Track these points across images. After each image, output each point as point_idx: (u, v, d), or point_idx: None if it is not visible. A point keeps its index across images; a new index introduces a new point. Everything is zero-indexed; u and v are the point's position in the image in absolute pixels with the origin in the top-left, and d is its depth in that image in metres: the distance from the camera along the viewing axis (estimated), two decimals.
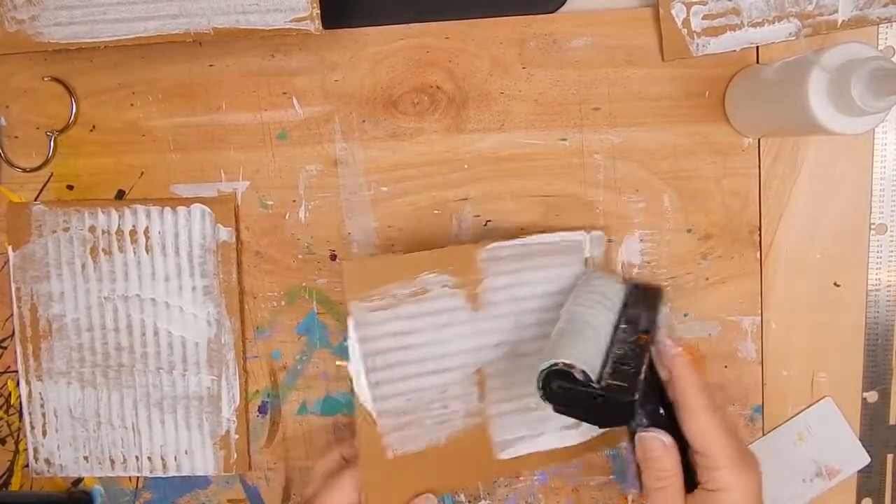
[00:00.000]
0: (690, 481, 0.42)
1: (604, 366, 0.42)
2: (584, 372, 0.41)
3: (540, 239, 0.50)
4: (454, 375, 0.49)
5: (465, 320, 0.49)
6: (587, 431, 0.51)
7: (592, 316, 0.45)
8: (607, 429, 0.48)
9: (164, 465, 0.56)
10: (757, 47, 0.50)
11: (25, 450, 0.57)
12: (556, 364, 0.41)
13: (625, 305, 0.47)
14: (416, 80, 0.53)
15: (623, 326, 0.45)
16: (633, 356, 0.43)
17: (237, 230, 0.55)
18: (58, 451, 0.57)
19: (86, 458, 0.56)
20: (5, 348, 0.57)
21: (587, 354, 0.42)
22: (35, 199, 0.56)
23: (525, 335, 0.50)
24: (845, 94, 0.38)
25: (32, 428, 0.57)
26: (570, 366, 0.41)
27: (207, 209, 0.54)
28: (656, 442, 0.42)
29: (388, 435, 0.48)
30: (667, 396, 0.44)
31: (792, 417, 0.53)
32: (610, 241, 0.53)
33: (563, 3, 0.52)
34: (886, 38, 0.50)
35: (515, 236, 0.50)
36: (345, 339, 0.48)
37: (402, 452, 0.48)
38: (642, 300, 0.47)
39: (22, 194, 0.56)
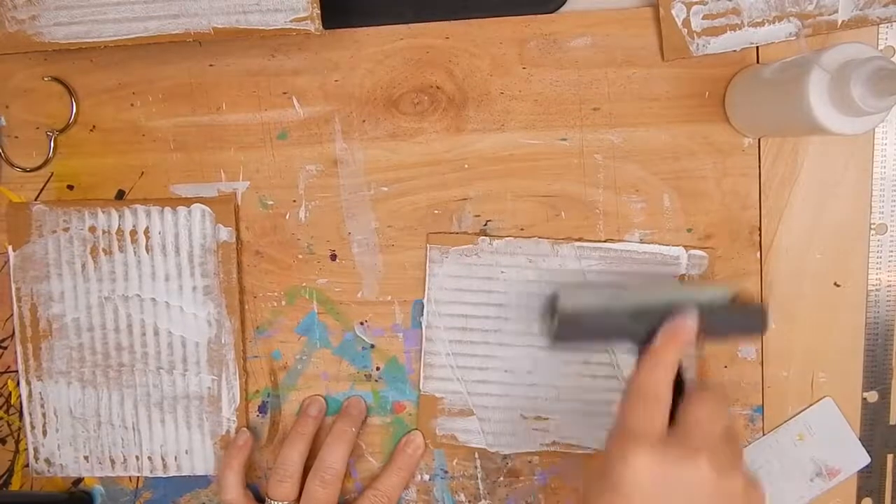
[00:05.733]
0: None
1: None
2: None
3: (633, 248, 0.52)
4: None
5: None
6: None
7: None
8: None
9: (165, 465, 0.56)
10: (757, 47, 0.50)
11: (25, 450, 0.57)
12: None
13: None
14: (416, 80, 0.53)
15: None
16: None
17: (237, 230, 0.55)
18: (58, 450, 0.57)
19: (86, 457, 0.56)
20: (5, 348, 0.57)
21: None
22: (35, 199, 0.56)
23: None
24: (845, 95, 0.38)
25: (33, 428, 0.57)
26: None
27: (207, 209, 0.54)
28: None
29: None
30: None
31: (792, 417, 0.53)
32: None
33: (563, 3, 0.52)
34: (886, 39, 0.50)
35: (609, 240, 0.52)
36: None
37: None
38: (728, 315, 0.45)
39: (22, 194, 0.56)
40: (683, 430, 0.40)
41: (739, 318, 0.44)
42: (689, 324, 0.42)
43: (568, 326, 0.44)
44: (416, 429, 0.55)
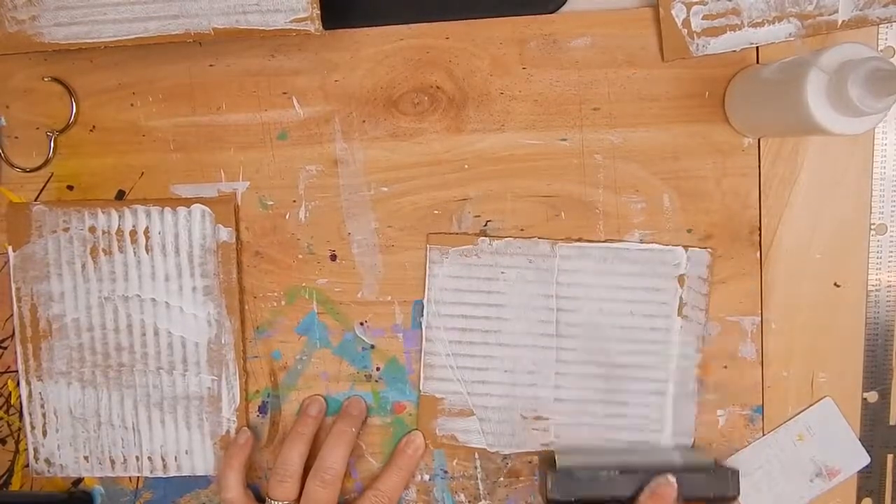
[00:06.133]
0: None
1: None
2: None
3: (633, 247, 0.52)
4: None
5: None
6: None
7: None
8: None
9: (165, 465, 0.56)
10: (757, 47, 0.50)
11: (25, 450, 0.57)
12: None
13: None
14: (416, 80, 0.53)
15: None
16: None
17: (237, 230, 0.55)
18: (58, 451, 0.57)
19: (86, 458, 0.56)
20: (5, 348, 0.57)
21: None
22: (35, 200, 0.56)
23: (602, 341, 0.53)
24: (843, 95, 0.38)
25: (33, 428, 0.57)
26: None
27: (207, 209, 0.54)
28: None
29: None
30: None
31: (792, 418, 0.53)
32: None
33: (563, 3, 0.52)
34: (886, 39, 0.50)
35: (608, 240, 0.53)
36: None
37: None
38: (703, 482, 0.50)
39: (22, 194, 0.56)
40: None
41: (715, 483, 0.49)
42: (669, 484, 0.48)
43: (563, 485, 0.49)
44: (417, 429, 0.55)
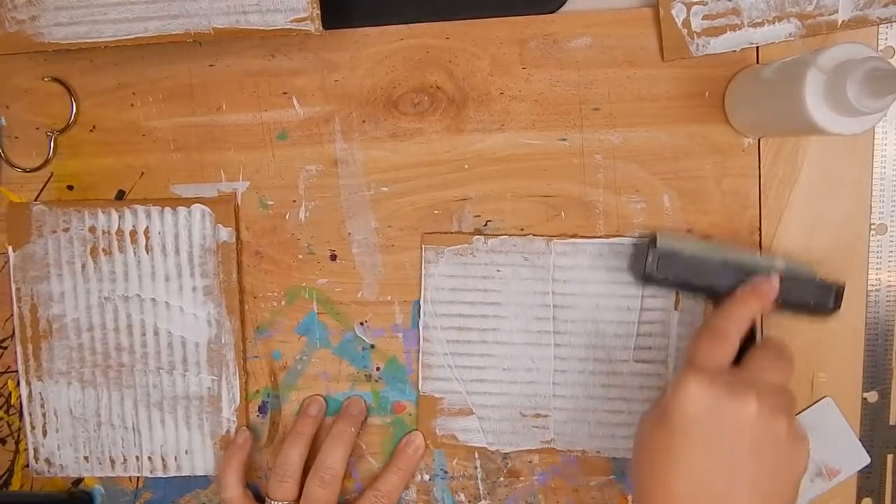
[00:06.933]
0: None
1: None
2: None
3: (628, 241, 0.52)
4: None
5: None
6: None
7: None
8: None
9: (165, 465, 0.56)
10: (757, 47, 0.50)
11: (26, 450, 0.57)
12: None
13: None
14: (416, 80, 0.53)
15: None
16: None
17: (237, 230, 0.55)
18: (58, 451, 0.57)
19: (86, 458, 0.56)
20: (5, 348, 0.57)
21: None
22: (35, 199, 0.56)
23: (600, 336, 0.53)
24: (841, 95, 0.38)
25: (33, 428, 0.57)
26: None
27: (207, 209, 0.54)
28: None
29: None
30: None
31: None
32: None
33: (563, 3, 0.52)
34: (886, 39, 0.50)
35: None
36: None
37: None
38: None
39: (22, 194, 0.56)
40: (743, 371, 0.43)
41: (816, 293, 0.48)
42: (771, 283, 0.46)
43: (663, 262, 0.48)
44: (417, 429, 0.55)
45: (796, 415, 0.52)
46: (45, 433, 0.57)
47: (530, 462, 0.55)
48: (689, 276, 0.48)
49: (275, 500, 0.51)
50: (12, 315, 0.56)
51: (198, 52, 0.54)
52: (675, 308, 0.52)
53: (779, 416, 0.40)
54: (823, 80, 0.39)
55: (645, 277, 0.48)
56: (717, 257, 0.48)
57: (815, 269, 0.49)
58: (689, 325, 0.52)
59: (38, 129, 0.55)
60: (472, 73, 0.52)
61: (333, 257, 0.55)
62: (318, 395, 0.55)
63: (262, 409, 0.56)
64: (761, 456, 0.40)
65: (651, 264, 0.48)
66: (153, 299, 0.55)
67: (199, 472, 0.56)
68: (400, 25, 0.52)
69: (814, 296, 0.48)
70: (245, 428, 0.55)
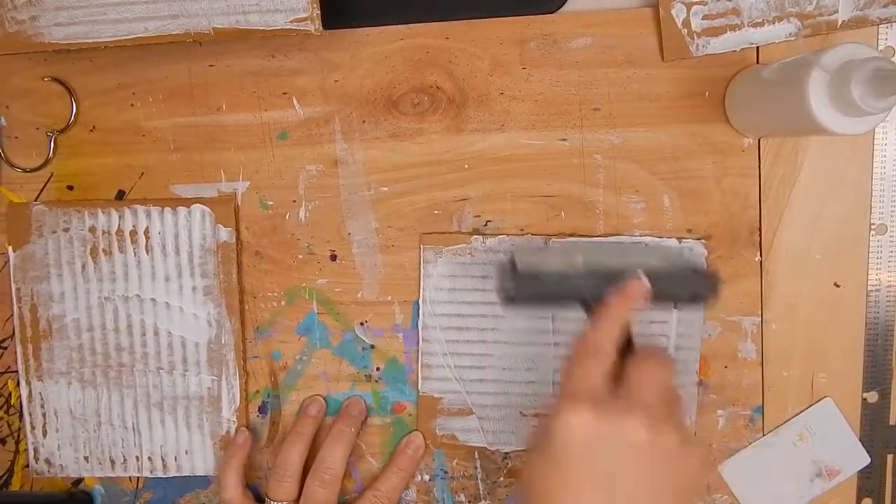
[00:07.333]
0: None
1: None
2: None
3: (626, 240, 0.52)
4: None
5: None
6: None
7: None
8: None
9: (165, 466, 0.56)
10: (757, 47, 0.50)
11: (26, 450, 0.57)
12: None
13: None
14: (416, 80, 0.53)
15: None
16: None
17: (237, 230, 0.55)
18: (58, 451, 0.57)
19: (86, 458, 0.56)
20: (5, 348, 0.57)
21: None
22: (35, 200, 0.56)
23: None
24: (845, 95, 0.38)
25: (33, 428, 0.57)
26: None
27: (207, 209, 0.54)
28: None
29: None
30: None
31: (792, 418, 0.53)
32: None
33: (564, 3, 0.52)
34: (886, 39, 0.50)
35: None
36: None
37: None
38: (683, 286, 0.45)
39: (22, 194, 0.56)
40: (624, 389, 0.39)
41: (691, 284, 0.45)
42: (639, 285, 0.43)
43: (525, 285, 0.44)
44: (416, 429, 0.55)
45: (798, 412, 0.52)
46: (45, 433, 0.57)
47: None
48: (554, 293, 0.45)
49: (274, 501, 0.51)
50: (12, 315, 0.56)
51: (198, 52, 0.54)
52: (675, 307, 0.52)
53: (667, 429, 0.38)
54: (826, 80, 0.39)
55: (508, 301, 0.45)
56: (581, 267, 0.45)
57: (688, 258, 0.47)
58: (689, 324, 0.52)
59: (38, 129, 0.55)
60: (472, 74, 0.52)
61: (333, 257, 0.55)
62: (318, 395, 0.55)
63: (262, 410, 0.56)
64: (658, 476, 0.38)
65: (512, 288, 0.45)
66: (153, 299, 0.55)
67: (199, 473, 0.56)
68: (400, 25, 0.52)
69: (689, 287, 0.45)
70: (244, 428, 0.55)
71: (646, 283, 0.43)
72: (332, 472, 0.51)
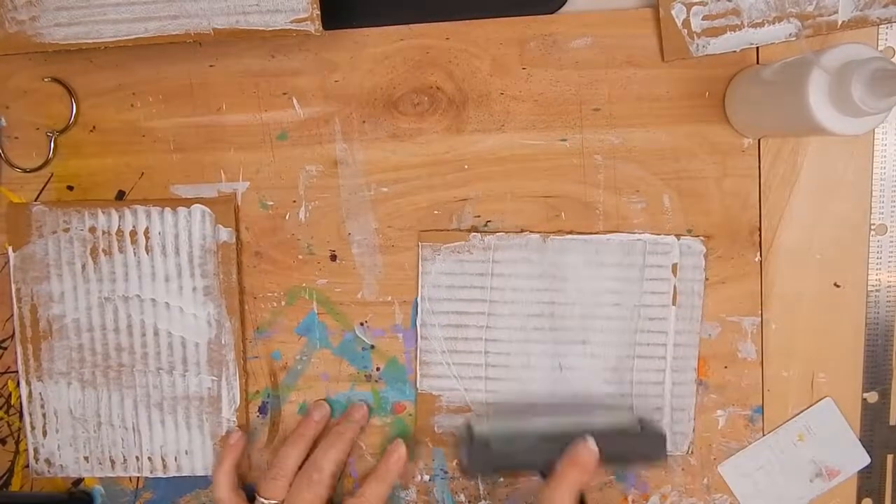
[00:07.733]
0: None
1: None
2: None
3: (624, 238, 0.52)
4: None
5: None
6: None
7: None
8: None
9: (165, 466, 0.56)
10: (757, 48, 0.50)
11: (26, 450, 0.57)
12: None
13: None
14: (416, 80, 0.53)
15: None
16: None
17: (237, 230, 0.55)
18: (58, 451, 0.57)
19: (86, 458, 0.56)
20: (5, 349, 0.57)
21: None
22: (35, 200, 0.56)
23: (597, 332, 0.53)
24: (846, 95, 0.38)
25: (33, 428, 0.57)
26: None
27: (207, 210, 0.54)
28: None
29: None
30: None
31: (792, 418, 0.53)
32: None
33: (564, 4, 0.52)
34: (886, 39, 0.50)
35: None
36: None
37: None
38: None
39: (22, 195, 0.56)
40: None
41: (641, 444, 0.48)
42: (589, 449, 0.46)
43: (479, 456, 0.47)
44: (412, 431, 0.55)
45: (798, 413, 0.53)
46: (45, 433, 0.57)
47: None
48: (508, 462, 0.47)
49: (264, 498, 0.51)
50: (12, 315, 0.56)
51: (198, 53, 0.54)
52: (673, 303, 0.52)
53: None
54: (827, 80, 0.39)
55: (463, 472, 0.48)
56: (534, 433, 0.48)
57: (638, 418, 0.50)
58: (688, 321, 0.52)
59: (38, 129, 0.55)
60: (472, 74, 0.52)
61: (333, 257, 0.55)
62: (323, 400, 0.55)
63: (262, 410, 0.56)
64: None
65: (466, 459, 0.47)
66: (153, 300, 0.55)
67: (199, 473, 0.56)
68: (400, 26, 0.52)
69: (639, 448, 0.48)
70: (237, 428, 0.55)
71: (594, 448, 0.46)
72: (321, 472, 0.51)
